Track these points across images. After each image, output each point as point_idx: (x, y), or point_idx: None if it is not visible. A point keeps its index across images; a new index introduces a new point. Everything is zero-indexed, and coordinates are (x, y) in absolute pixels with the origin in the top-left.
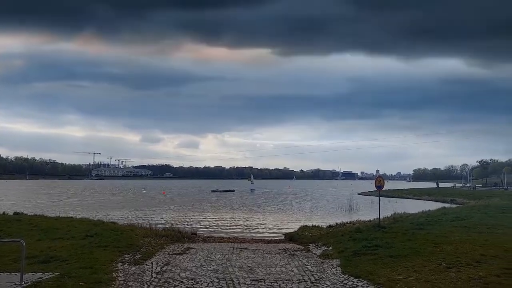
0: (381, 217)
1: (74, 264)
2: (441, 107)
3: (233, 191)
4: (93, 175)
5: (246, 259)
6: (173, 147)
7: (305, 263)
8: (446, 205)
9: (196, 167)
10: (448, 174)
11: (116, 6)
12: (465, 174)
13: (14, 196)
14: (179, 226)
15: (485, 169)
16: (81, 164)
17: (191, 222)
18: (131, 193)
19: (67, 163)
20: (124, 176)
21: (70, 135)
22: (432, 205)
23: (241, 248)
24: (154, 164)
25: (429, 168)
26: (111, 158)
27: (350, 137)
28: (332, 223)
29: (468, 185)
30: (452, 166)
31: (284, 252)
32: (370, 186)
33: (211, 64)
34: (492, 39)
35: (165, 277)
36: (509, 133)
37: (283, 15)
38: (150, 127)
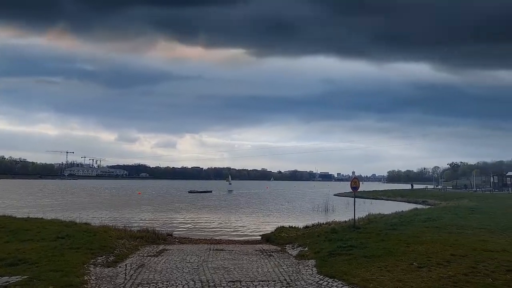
0: (356, 218)
1: (44, 267)
2: (414, 110)
3: (211, 191)
4: (66, 174)
5: (222, 260)
6: (149, 147)
7: (281, 264)
8: (419, 206)
9: (173, 167)
10: (420, 176)
11: (88, 0)
12: (436, 176)
13: None
14: (154, 227)
15: (456, 171)
16: (53, 163)
17: (167, 223)
18: (106, 194)
19: (39, 162)
20: (98, 176)
21: (42, 133)
22: (405, 206)
23: (217, 250)
24: (130, 164)
25: (403, 170)
26: (85, 157)
27: (327, 139)
28: (309, 223)
29: (439, 186)
30: (424, 168)
31: (260, 253)
32: (346, 187)
33: (186, 63)
34: (459, 46)
35: (139, 280)
36: (478, 137)
37: (257, 16)
38: (126, 126)
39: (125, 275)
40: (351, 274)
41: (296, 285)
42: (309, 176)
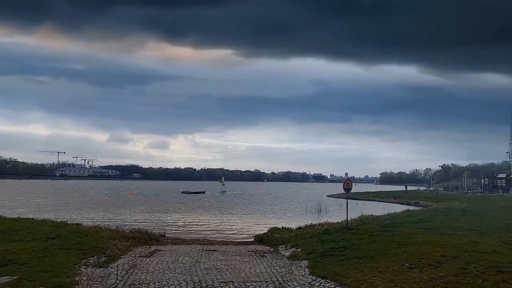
0: (349, 219)
1: (35, 267)
2: (405, 113)
3: (204, 192)
4: (57, 175)
5: (215, 261)
6: (142, 147)
7: (274, 265)
8: (411, 207)
9: (166, 168)
10: (412, 177)
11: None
12: (428, 178)
13: None
14: (147, 228)
15: (447, 173)
16: (44, 163)
17: (160, 224)
18: (98, 194)
19: (30, 162)
20: (90, 177)
21: (33, 133)
22: (397, 208)
23: (210, 250)
24: (123, 164)
25: (395, 171)
26: (76, 157)
27: (320, 141)
28: (302, 224)
29: (431, 188)
30: (416, 170)
31: (253, 254)
32: (339, 188)
33: (177, 63)
34: (448, 48)
35: (131, 280)
36: (469, 139)
37: (245, 17)
38: (119, 127)
39: (117, 276)
40: (343, 275)
41: (288, 285)
42: (303, 178)
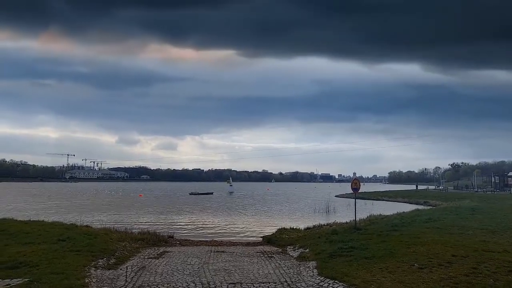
0: (357, 219)
1: (45, 269)
2: (412, 111)
3: (212, 193)
4: (67, 177)
5: (223, 262)
6: (150, 149)
7: (282, 266)
8: (420, 207)
9: (174, 169)
10: (421, 176)
11: (79, 2)
12: (437, 176)
13: None
14: (155, 229)
15: (457, 172)
16: (54, 166)
17: (168, 225)
18: (107, 196)
19: (40, 165)
20: (99, 179)
21: (43, 136)
22: (406, 207)
23: (218, 251)
24: (131, 166)
25: (404, 170)
26: (85, 159)
27: (327, 140)
28: (310, 225)
29: (440, 187)
30: (425, 169)
31: (261, 255)
32: (347, 188)
33: (179, 64)
34: (447, 46)
35: (140, 282)
36: (479, 137)
37: (247, 17)
38: (127, 129)
39: (126, 278)
40: (352, 275)
41: (297, 286)
42: (310, 178)
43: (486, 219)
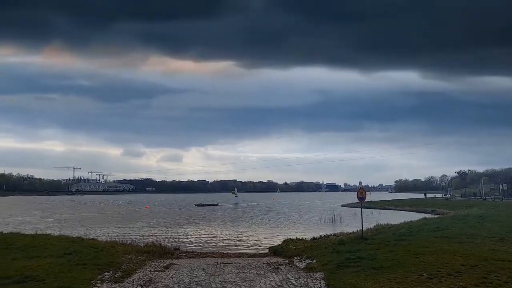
0: (364, 228)
1: (52, 283)
2: (414, 119)
3: (217, 204)
4: (73, 190)
5: (229, 274)
6: (155, 161)
7: (289, 277)
8: (427, 215)
9: (179, 181)
10: (428, 185)
11: (79, 17)
12: (444, 184)
13: None
14: (161, 241)
15: (464, 179)
16: (60, 179)
17: (174, 238)
18: (113, 209)
19: (46, 178)
20: (105, 191)
21: (49, 150)
22: (413, 216)
23: (224, 263)
24: (136, 178)
25: (410, 179)
26: (91, 172)
27: (333, 150)
28: (316, 235)
29: (448, 195)
30: (432, 177)
31: (268, 266)
32: (353, 197)
33: (179, 76)
34: (446, 53)
35: None
36: (485, 144)
37: (243, 28)
38: (132, 141)
39: None
40: (359, 286)
41: None
42: (316, 187)
43: (495, 227)
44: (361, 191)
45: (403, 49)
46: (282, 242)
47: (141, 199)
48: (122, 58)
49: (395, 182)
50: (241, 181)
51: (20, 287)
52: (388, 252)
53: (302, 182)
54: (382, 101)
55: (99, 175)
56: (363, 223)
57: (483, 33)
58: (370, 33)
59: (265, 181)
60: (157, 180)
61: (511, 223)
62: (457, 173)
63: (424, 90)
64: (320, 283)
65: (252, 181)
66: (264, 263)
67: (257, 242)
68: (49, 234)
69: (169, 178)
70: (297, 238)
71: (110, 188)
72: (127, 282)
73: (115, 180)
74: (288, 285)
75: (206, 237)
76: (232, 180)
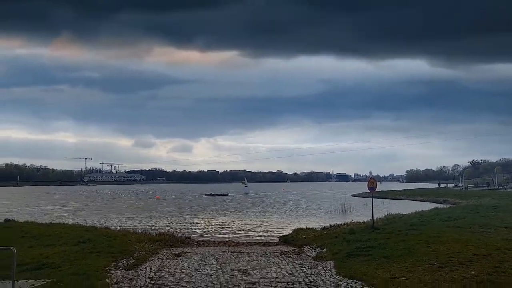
0: (374, 218)
1: (67, 270)
2: (426, 108)
3: (227, 194)
4: (85, 180)
5: (240, 262)
6: (166, 152)
7: (300, 265)
8: (439, 205)
9: (189, 171)
10: (440, 174)
11: (85, 9)
12: (456, 174)
13: (5, 203)
14: (173, 230)
15: (477, 169)
16: (72, 170)
17: (185, 227)
18: (125, 198)
19: (59, 169)
20: (116, 181)
21: (61, 141)
22: (425, 206)
23: (235, 252)
24: (147, 169)
25: (422, 169)
26: (103, 163)
27: (343, 140)
28: (326, 225)
29: (460, 185)
30: (444, 166)
31: (278, 255)
32: (364, 187)
33: (185, 67)
34: (459, 39)
35: (159, 282)
36: (498, 133)
37: (248, 17)
38: (142, 132)
39: (146, 278)
40: (370, 275)
41: (315, 286)
42: (326, 177)
43: (508, 217)
44: (372, 181)
45: (411, 37)
46: (292, 231)
47: (152, 189)
48: (128, 49)
49: (406, 172)
50: (251, 172)
51: (37, 273)
52: (399, 242)
53: (312, 172)
54: (391, 90)
55: (111, 165)
56: (374, 213)
57: (494, 19)
58: (376, 22)
59: (275, 171)
60: (168, 171)
61: None
62: (470, 162)
63: (433, 78)
64: (330, 271)
65: (261, 171)
66: (274, 252)
67: (267, 231)
68: (64, 223)
69: (179, 168)
70: (307, 228)
71: (122, 179)
72: (140, 269)
73: (126, 170)
74: (298, 273)
75: (217, 226)
76: (242, 171)
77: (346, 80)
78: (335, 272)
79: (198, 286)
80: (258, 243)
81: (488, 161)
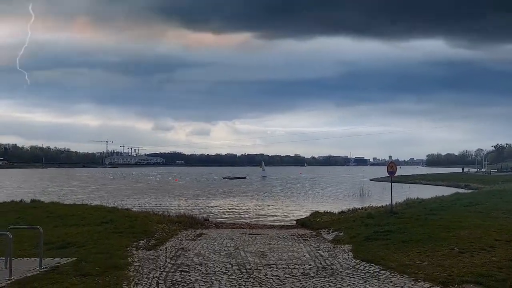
0: (393, 203)
1: (91, 249)
2: (452, 91)
3: (245, 178)
4: (107, 163)
5: (258, 244)
6: (184, 135)
7: (317, 248)
8: (460, 190)
9: (207, 155)
10: (462, 159)
11: None
12: (480, 159)
13: (31, 184)
14: (192, 212)
15: (501, 153)
16: (94, 152)
17: (204, 209)
18: (145, 181)
19: (81, 151)
20: (137, 164)
21: (84, 124)
22: (445, 191)
23: (253, 234)
24: (166, 151)
25: (443, 153)
26: (123, 146)
27: (363, 123)
28: (344, 209)
29: (482, 170)
30: (466, 151)
31: (295, 238)
32: (382, 171)
33: (201, 49)
34: (479, 19)
35: (179, 262)
36: None
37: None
38: (161, 115)
39: (166, 258)
40: (388, 259)
41: (332, 269)
42: (344, 161)
43: None
44: (392, 165)
45: (430, 17)
46: (310, 215)
47: (171, 172)
48: (143, 32)
49: (427, 156)
50: (268, 155)
51: (63, 252)
52: (418, 226)
53: (330, 156)
54: (411, 71)
55: (131, 148)
56: (393, 197)
57: None
58: (394, 1)
59: (292, 155)
60: (186, 154)
61: None
62: (494, 147)
63: (453, 59)
64: (348, 254)
65: (279, 155)
66: (292, 235)
67: (285, 214)
68: (87, 204)
69: (198, 151)
70: (324, 211)
71: (142, 161)
72: (160, 250)
73: (146, 153)
74: (316, 255)
75: (235, 209)
76: (260, 154)
77: (364, 61)
78: (352, 256)
79: (217, 266)
80: (276, 226)
81: None
